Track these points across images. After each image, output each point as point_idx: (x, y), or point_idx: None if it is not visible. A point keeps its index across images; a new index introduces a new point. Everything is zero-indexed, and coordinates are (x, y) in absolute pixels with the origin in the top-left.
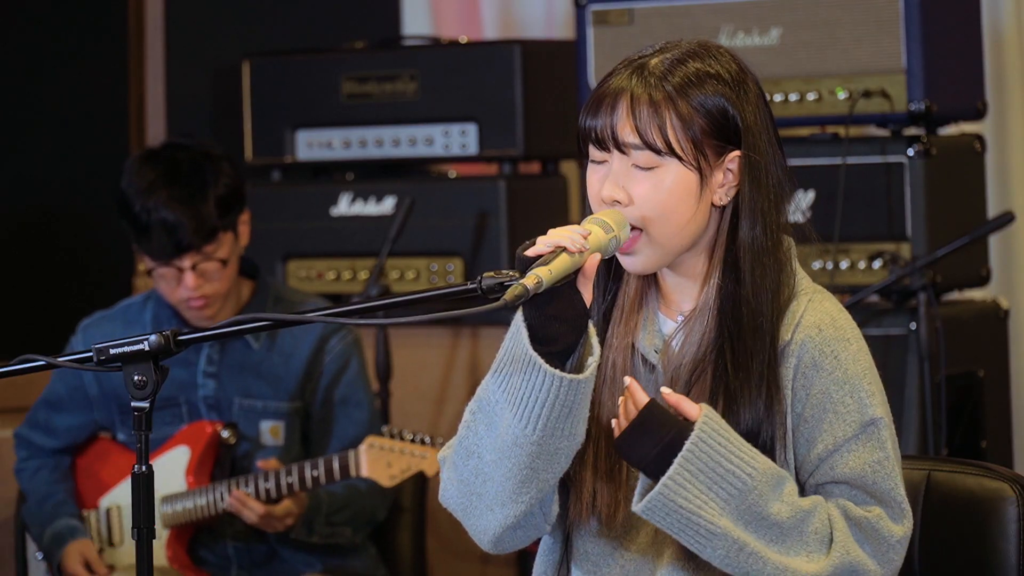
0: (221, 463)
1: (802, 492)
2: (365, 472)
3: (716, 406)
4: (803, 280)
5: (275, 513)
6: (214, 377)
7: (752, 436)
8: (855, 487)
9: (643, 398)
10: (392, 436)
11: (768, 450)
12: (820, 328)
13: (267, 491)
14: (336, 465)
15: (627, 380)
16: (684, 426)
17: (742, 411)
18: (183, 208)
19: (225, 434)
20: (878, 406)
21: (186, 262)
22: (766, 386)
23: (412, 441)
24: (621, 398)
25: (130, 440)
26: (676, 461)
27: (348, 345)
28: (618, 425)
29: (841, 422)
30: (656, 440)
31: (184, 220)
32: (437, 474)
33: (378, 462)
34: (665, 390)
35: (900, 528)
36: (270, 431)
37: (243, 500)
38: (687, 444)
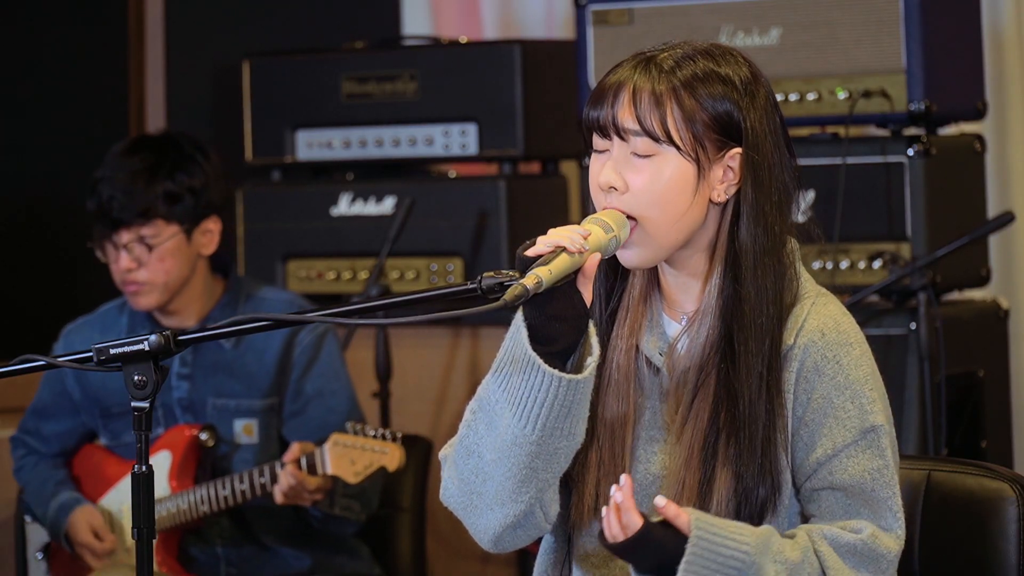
0: (202, 465)
1: (798, 496)
2: (330, 469)
3: (719, 408)
4: (807, 283)
5: (308, 485)
6: (188, 379)
7: (753, 438)
8: (852, 495)
9: (636, 521)
10: (356, 433)
11: (768, 453)
12: (823, 332)
13: (242, 492)
14: (303, 462)
15: (620, 493)
16: (679, 541)
17: (744, 413)
18: (126, 181)
19: (203, 436)
20: (879, 413)
21: (123, 237)
22: (767, 388)
23: (375, 437)
24: (614, 490)
25: (112, 444)
26: (681, 569)
27: (317, 337)
28: (607, 521)
29: (841, 427)
30: (654, 556)
31: (120, 192)
32: (398, 469)
33: (342, 459)
34: (660, 502)
35: (895, 542)
36: (243, 429)
37: (295, 472)
38: (686, 556)
